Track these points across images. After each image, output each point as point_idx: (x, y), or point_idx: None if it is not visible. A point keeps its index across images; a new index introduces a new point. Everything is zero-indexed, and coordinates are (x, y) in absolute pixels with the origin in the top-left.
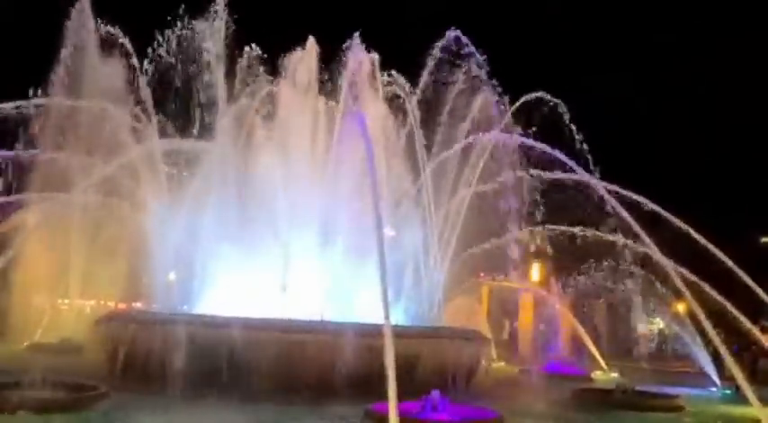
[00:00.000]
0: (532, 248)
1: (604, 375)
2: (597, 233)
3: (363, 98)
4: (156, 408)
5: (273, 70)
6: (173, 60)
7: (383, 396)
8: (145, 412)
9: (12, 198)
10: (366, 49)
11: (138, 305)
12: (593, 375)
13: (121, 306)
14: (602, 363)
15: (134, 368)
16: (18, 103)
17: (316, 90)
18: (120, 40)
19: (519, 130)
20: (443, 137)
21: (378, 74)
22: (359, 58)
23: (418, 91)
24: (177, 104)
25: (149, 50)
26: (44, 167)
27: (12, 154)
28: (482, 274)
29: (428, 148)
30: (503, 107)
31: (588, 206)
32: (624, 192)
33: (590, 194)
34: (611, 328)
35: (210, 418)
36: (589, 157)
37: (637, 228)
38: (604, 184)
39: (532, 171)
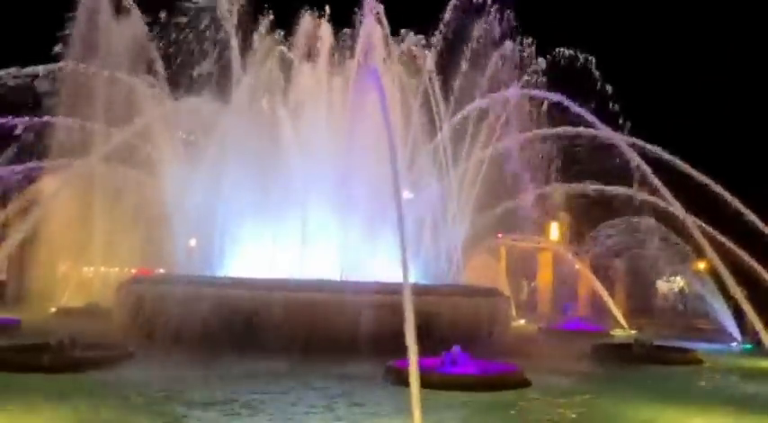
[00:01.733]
0: (551, 207)
1: (624, 332)
2: (613, 188)
3: (376, 56)
4: (180, 364)
5: (288, 34)
6: (186, 29)
7: (404, 353)
8: (168, 368)
9: (31, 164)
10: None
11: (161, 271)
12: (612, 332)
13: (144, 272)
14: (622, 320)
15: (156, 328)
16: (31, 68)
17: (328, 52)
18: (131, 7)
19: (543, 87)
20: (462, 94)
21: (387, 34)
22: (371, 21)
23: (433, 48)
24: (192, 73)
25: (163, 17)
26: (60, 134)
27: (27, 120)
28: (500, 235)
29: (447, 106)
30: (528, 63)
31: (612, 164)
32: (644, 144)
33: (614, 152)
34: (631, 286)
35: (232, 371)
36: (620, 116)
37: (656, 181)
38: (625, 138)
39: (552, 130)
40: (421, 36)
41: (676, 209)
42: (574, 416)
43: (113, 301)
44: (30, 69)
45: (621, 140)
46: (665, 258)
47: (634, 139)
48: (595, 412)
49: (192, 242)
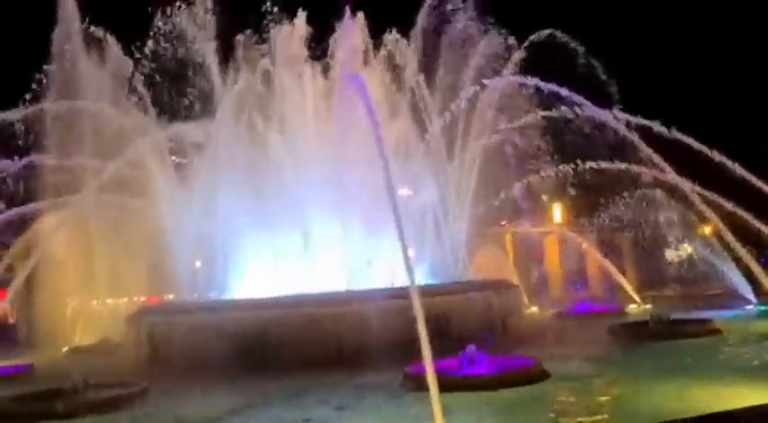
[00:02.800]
0: (552, 190)
1: (639, 308)
2: (613, 165)
3: (356, 60)
4: (194, 394)
5: (264, 43)
6: (165, 51)
7: (420, 358)
8: (185, 400)
9: (27, 208)
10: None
11: (170, 297)
12: (627, 310)
13: (154, 299)
14: (635, 295)
15: (168, 359)
16: (16, 110)
17: (305, 60)
18: (108, 39)
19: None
20: (448, 88)
21: (367, 36)
22: (349, 26)
23: (413, 44)
24: (173, 95)
25: (140, 44)
26: (50, 173)
27: (17, 163)
28: (503, 223)
29: (434, 100)
30: (510, 50)
31: (606, 142)
32: (635, 119)
33: (607, 131)
34: (639, 260)
35: (250, 395)
36: (609, 93)
37: (648, 151)
38: (617, 114)
39: (543, 112)
40: (399, 36)
41: (672, 176)
42: (599, 402)
43: (123, 335)
44: (14, 112)
45: (612, 117)
46: (672, 227)
47: (627, 116)
48: (620, 396)
49: (198, 264)
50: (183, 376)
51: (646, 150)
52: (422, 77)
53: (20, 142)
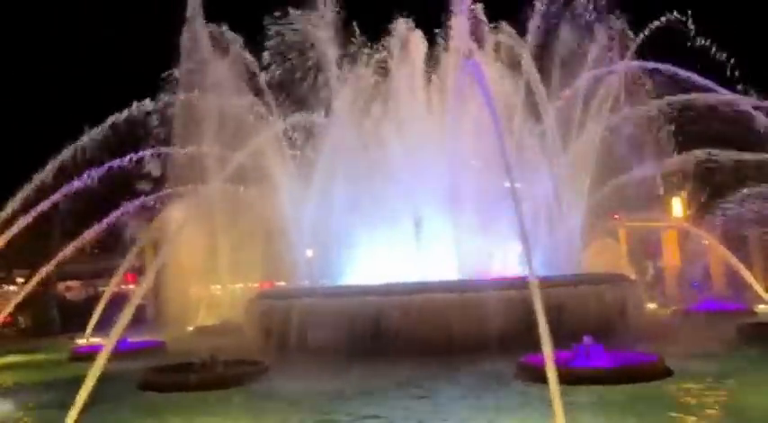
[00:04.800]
0: (671, 182)
1: None
2: (740, 154)
3: (473, 52)
4: (316, 373)
5: (378, 40)
6: (285, 49)
7: (531, 349)
8: (308, 378)
9: (158, 195)
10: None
11: (282, 284)
12: (756, 309)
13: (266, 286)
14: (765, 295)
15: (287, 341)
16: (148, 103)
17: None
18: (233, 38)
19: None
20: (564, 77)
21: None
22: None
23: (529, 35)
24: (292, 90)
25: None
26: (178, 163)
27: (150, 151)
28: (617, 216)
29: (549, 91)
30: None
31: (732, 128)
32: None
33: (734, 116)
34: None
35: (365, 379)
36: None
37: None
38: (747, 99)
39: (666, 98)
40: (512, 30)
41: None
42: (722, 403)
43: (244, 316)
44: (146, 104)
45: (743, 101)
46: None
47: (758, 101)
48: (748, 398)
49: (310, 253)
50: (298, 359)
51: None
52: (535, 68)
53: (156, 133)
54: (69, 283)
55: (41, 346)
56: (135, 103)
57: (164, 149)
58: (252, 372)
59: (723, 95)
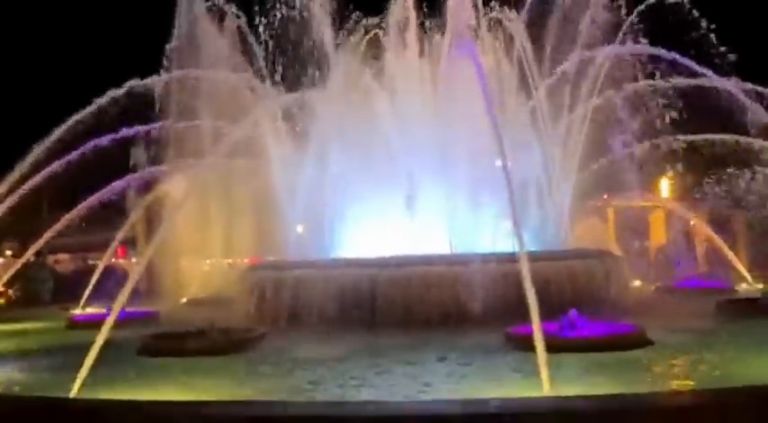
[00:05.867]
0: (659, 163)
1: (749, 287)
2: (728, 136)
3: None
4: (309, 342)
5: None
6: (279, 20)
7: (518, 321)
8: (301, 346)
9: (152, 170)
10: None
11: (270, 259)
12: (737, 288)
13: (254, 261)
14: (746, 274)
15: (280, 312)
16: (149, 79)
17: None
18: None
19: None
20: (556, 55)
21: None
22: None
23: (523, 11)
24: (286, 63)
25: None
26: (175, 137)
27: (153, 126)
28: (605, 196)
29: (540, 67)
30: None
31: (722, 111)
32: (760, 88)
33: (724, 99)
34: (752, 241)
35: (358, 347)
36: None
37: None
38: (737, 83)
39: (652, 82)
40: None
41: None
42: (695, 369)
43: (236, 289)
44: (149, 80)
45: (733, 86)
46: None
47: (749, 85)
48: (716, 365)
49: (300, 228)
50: (292, 329)
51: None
52: (529, 46)
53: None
54: (59, 255)
55: (34, 315)
56: (130, 83)
57: (151, 126)
58: (251, 338)
59: (709, 78)
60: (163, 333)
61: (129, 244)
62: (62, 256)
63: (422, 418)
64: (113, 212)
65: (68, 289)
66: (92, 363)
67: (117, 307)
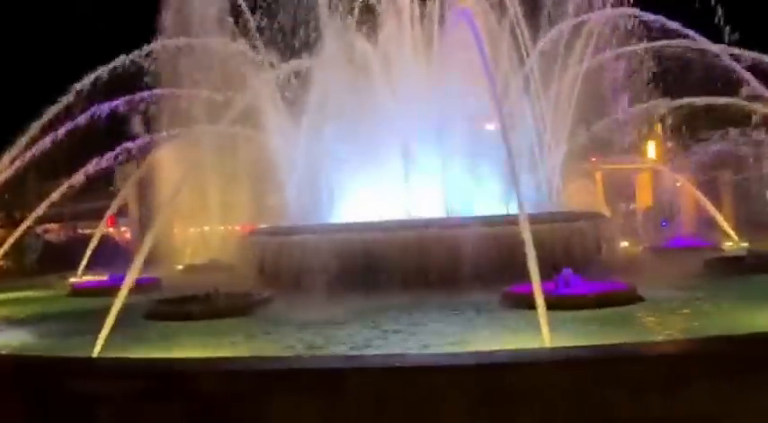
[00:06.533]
0: (647, 126)
1: (735, 245)
2: (715, 99)
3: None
4: (313, 304)
5: None
6: None
7: (513, 282)
8: (306, 308)
9: (147, 138)
10: None
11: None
12: (723, 246)
13: (247, 228)
14: (732, 233)
15: (280, 276)
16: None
17: None
18: None
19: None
20: (550, 18)
21: None
22: None
23: None
24: (278, 29)
25: None
26: (169, 106)
27: (145, 94)
28: (594, 159)
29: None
30: None
31: (711, 75)
32: (749, 53)
33: (715, 63)
34: (738, 201)
35: (360, 308)
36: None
37: (761, 88)
38: (726, 47)
39: (648, 44)
40: None
41: None
42: (691, 324)
43: (238, 254)
44: (136, 53)
45: (721, 50)
46: None
47: (738, 50)
48: (699, 317)
49: (293, 193)
50: (293, 292)
51: (758, 87)
52: (521, 11)
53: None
54: (48, 225)
55: (31, 284)
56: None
57: (140, 95)
58: (258, 301)
59: (697, 41)
60: (169, 298)
61: (119, 213)
62: (51, 226)
63: (437, 368)
64: (101, 183)
65: (59, 258)
66: (112, 323)
67: (132, 274)
